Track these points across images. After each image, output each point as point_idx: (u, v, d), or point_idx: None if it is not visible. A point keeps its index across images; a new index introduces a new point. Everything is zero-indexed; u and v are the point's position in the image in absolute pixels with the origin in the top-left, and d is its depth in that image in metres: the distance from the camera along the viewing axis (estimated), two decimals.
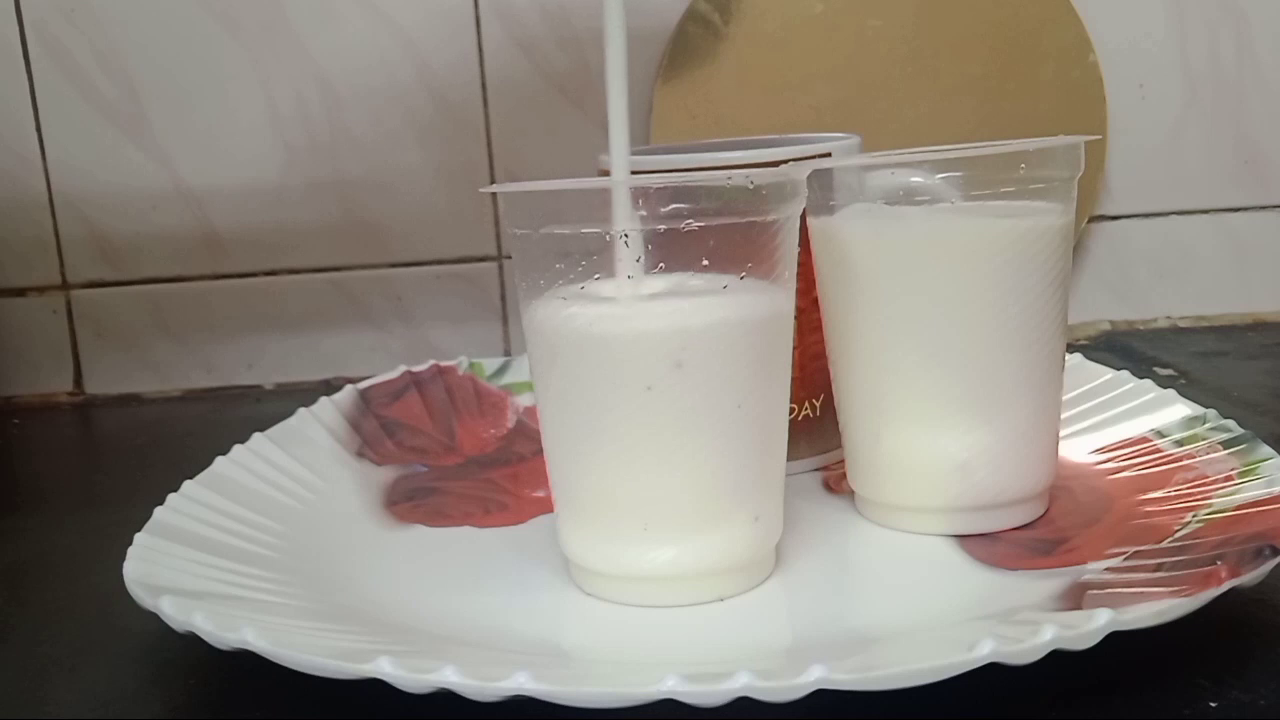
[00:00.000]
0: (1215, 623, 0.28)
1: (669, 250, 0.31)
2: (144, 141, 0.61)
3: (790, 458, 0.35)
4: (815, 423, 0.42)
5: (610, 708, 0.24)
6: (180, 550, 0.33)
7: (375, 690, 0.25)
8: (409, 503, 0.41)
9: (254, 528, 0.36)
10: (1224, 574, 0.27)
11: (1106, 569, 0.31)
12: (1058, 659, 0.25)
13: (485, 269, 0.63)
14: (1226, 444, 0.37)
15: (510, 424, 0.49)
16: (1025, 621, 0.27)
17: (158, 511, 0.35)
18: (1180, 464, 0.37)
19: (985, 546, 0.35)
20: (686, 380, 0.31)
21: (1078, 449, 0.41)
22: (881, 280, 0.35)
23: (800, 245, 0.34)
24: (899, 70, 0.60)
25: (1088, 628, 0.25)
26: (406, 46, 0.61)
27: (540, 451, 0.34)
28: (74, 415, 0.61)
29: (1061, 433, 0.38)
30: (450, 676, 0.25)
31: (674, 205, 0.30)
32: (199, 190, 0.62)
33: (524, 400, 0.50)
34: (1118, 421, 0.42)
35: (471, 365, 0.52)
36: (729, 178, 0.31)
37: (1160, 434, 0.40)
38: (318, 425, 0.45)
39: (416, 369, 0.51)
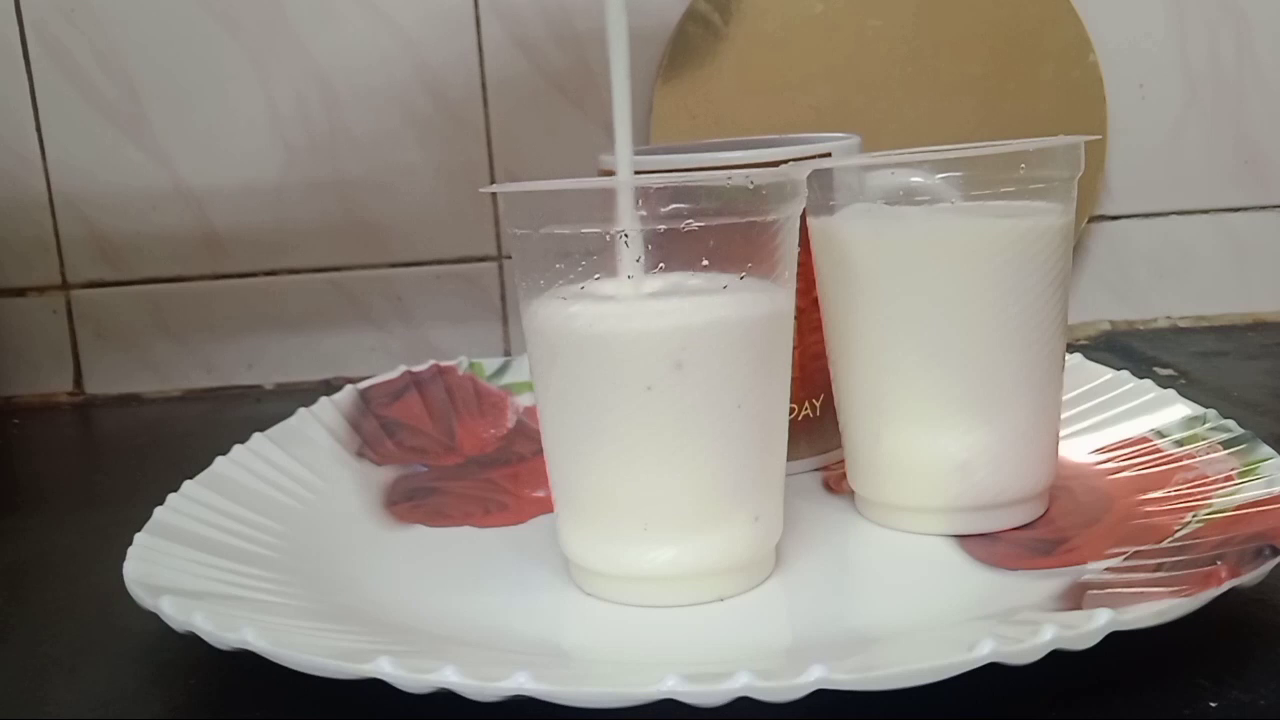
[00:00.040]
0: (1215, 623, 0.28)
1: (669, 250, 0.31)
2: (144, 141, 0.61)
3: (790, 458, 0.35)
4: (815, 423, 0.42)
5: (610, 708, 0.24)
6: (180, 550, 0.33)
7: (375, 690, 0.25)
8: (409, 503, 0.41)
9: (254, 528, 0.36)
10: (1224, 574, 0.27)
11: (1106, 569, 0.31)
12: (1058, 659, 0.25)
13: (485, 269, 0.63)
14: (1226, 444, 0.37)
15: (510, 424, 0.49)
16: (1025, 621, 0.27)
17: (158, 511, 0.35)
18: (1180, 464, 0.37)
19: (985, 546, 0.35)
20: (686, 380, 0.31)
21: (1078, 449, 0.41)
22: (881, 280, 0.35)
23: (800, 245, 0.34)
24: (899, 70, 0.60)
25: (1088, 628, 0.25)
26: (406, 46, 0.61)
27: (540, 451, 0.34)
28: (74, 415, 0.61)
29: (1061, 433, 0.38)
30: (450, 676, 0.25)
31: (674, 205, 0.30)
32: (199, 190, 0.62)
33: (524, 400, 0.50)
34: (1118, 421, 0.42)
35: (471, 365, 0.52)
36: (729, 178, 0.30)
37: (1160, 434, 0.40)
38: (318, 425, 0.45)
39: (416, 369, 0.51)
